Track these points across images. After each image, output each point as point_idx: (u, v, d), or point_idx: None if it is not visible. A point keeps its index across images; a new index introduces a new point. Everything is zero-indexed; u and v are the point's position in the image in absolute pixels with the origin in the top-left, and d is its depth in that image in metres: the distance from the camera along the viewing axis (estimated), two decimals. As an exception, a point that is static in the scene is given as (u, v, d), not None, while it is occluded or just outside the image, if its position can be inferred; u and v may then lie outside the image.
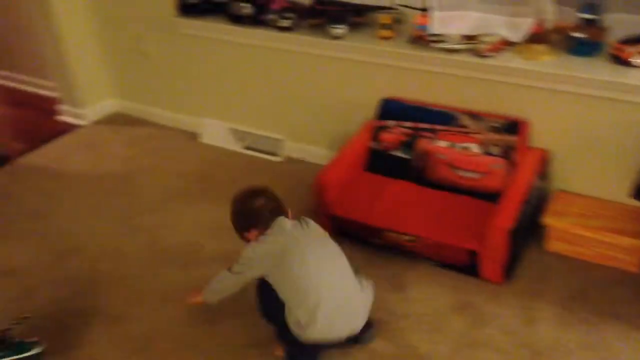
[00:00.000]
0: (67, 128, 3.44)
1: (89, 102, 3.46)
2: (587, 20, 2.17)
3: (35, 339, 1.92)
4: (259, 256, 1.79)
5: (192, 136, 3.25)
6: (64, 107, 3.54)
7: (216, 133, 3.17)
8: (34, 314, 2.07)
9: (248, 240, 1.85)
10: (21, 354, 1.89)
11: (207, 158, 3.07)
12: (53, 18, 3.15)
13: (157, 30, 3.11)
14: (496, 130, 2.28)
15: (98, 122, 3.48)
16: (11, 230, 2.59)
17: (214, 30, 2.87)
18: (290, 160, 3.00)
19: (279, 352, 1.89)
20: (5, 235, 2.56)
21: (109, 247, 2.45)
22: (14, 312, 2.10)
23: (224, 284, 1.91)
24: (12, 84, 3.99)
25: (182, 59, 3.12)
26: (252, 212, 1.84)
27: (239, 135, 3.11)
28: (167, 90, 3.31)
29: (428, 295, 2.10)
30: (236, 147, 3.11)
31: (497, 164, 2.26)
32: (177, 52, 3.12)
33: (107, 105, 3.56)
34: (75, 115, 3.50)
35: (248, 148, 3.08)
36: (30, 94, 3.88)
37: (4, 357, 1.87)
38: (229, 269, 1.86)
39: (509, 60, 2.23)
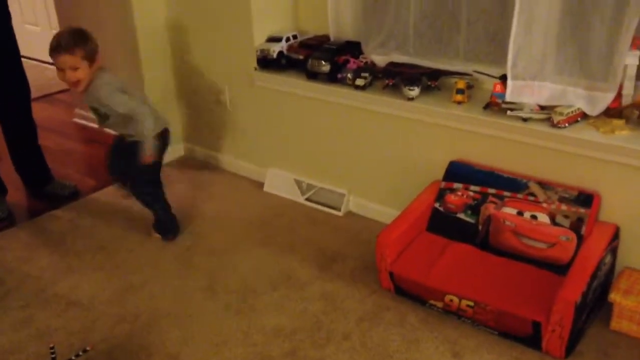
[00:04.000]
0: (138, 167, 3.72)
1: (162, 144, 3.74)
2: (669, 97, 2.24)
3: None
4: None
5: (257, 184, 3.43)
6: (137, 147, 3.83)
7: (280, 183, 3.34)
8: (94, 347, 2.22)
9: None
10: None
11: (269, 206, 3.22)
12: (140, 65, 3.48)
13: (236, 82, 3.37)
14: (566, 201, 2.32)
15: (167, 164, 3.72)
16: (79, 263, 2.78)
17: (290, 85, 3.09)
18: (350, 214, 3.11)
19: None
20: (73, 267, 2.75)
21: (168, 286, 2.59)
22: (76, 343, 2.26)
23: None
24: (86, 123, 4.32)
25: (256, 110, 3.35)
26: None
27: (302, 187, 3.27)
28: (237, 138, 3.54)
29: (486, 363, 2.11)
30: (298, 198, 3.26)
31: (566, 236, 2.29)
32: (251, 104, 3.36)
33: (177, 148, 3.82)
34: (147, 156, 3.78)
35: (310, 200, 3.23)
36: (103, 133, 4.21)
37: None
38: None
39: (584, 132, 2.30)
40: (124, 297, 2.53)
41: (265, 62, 3.14)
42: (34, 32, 5.57)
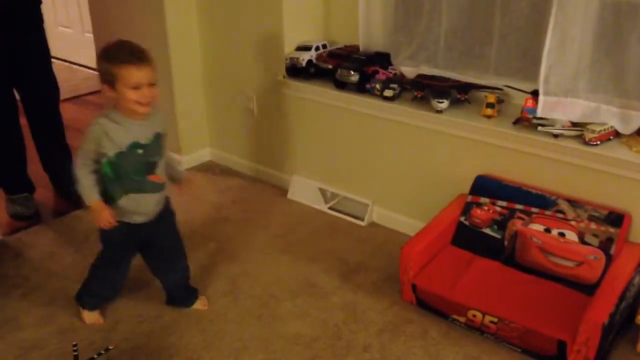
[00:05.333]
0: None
1: (188, 150, 3.80)
2: (703, 119, 2.22)
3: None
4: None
5: (281, 192, 3.46)
6: (163, 151, 3.91)
7: (304, 191, 3.37)
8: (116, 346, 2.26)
9: None
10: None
11: (292, 214, 3.25)
12: (170, 71, 3.54)
13: (264, 90, 3.42)
14: (596, 220, 2.31)
15: (194, 169, 3.79)
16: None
17: (318, 94, 3.13)
18: (374, 225, 3.12)
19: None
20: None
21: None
22: (98, 341, 2.31)
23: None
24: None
25: (283, 117, 3.39)
26: None
27: (326, 195, 3.29)
28: (263, 145, 3.58)
29: (508, 381, 2.10)
30: (322, 206, 3.28)
31: (594, 255, 2.27)
32: (279, 111, 3.40)
33: (204, 154, 3.88)
34: (173, 160, 3.85)
35: (333, 209, 3.25)
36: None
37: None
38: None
39: (616, 150, 2.29)
40: (146, 298, 2.57)
41: (294, 71, 3.18)
42: (67, 34, 5.72)
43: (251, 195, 3.47)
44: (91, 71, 5.42)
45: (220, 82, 3.65)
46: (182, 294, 2.51)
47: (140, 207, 2.21)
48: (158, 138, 2.16)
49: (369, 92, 2.93)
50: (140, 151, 2.11)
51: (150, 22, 3.54)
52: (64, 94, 3.37)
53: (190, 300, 2.51)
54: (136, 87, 2.01)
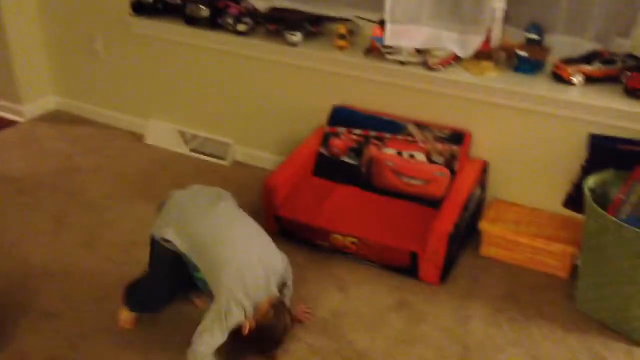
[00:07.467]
0: (4, 124, 3.48)
1: (29, 98, 3.52)
2: (532, 40, 2.46)
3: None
4: None
5: (137, 137, 3.35)
6: (0, 102, 3.59)
7: (162, 134, 3.29)
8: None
9: None
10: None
11: (151, 159, 3.17)
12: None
13: (109, 29, 3.24)
14: (441, 140, 2.51)
15: (37, 119, 3.53)
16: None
17: (168, 31, 3.02)
18: (237, 164, 3.14)
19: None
20: None
21: (43, 244, 2.50)
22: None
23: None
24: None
25: (132, 58, 3.25)
26: None
27: (186, 138, 3.24)
28: (114, 90, 3.42)
29: (368, 295, 2.26)
30: (182, 149, 3.23)
31: (440, 172, 2.48)
32: (127, 52, 3.25)
33: (48, 102, 3.62)
34: (13, 111, 3.55)
35: (195, 151, 3.22)
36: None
37: None
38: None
39: (457, 74, 2.48)
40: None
41: (140, 7, 3.04)
42: None
43: (104, 143, 3.32)
44: None
45: (60, 20, 3.39)
46: None
47: None
48: None
49: (222, 27, 2.90)
50: None
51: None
52: None
53: None
54: None
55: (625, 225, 1.90)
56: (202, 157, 3.18)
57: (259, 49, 2.83)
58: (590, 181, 2.14)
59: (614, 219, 1.93)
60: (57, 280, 2.31)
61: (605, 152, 2.22)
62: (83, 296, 2.24)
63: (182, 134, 3.25)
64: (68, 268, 2.38)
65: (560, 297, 2.25)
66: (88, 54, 3.38)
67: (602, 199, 2.12)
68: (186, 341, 1.84)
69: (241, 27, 2.84)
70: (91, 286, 2.29)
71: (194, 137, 3.22)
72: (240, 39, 2.85)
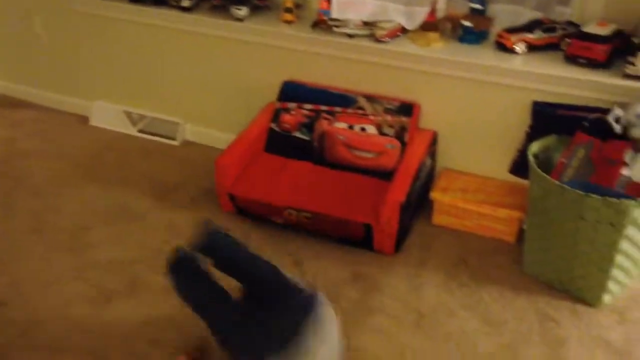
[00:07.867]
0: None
1: (-36, 81, 3.40)
2: (476, 10, 2.50)
3: None
4: None
5: (82, 119, 3.27)
6: None
7: (108, 116, 3.21)
8: None
9: None
10: None
11: (97, 141, 3.10)
12: None
13: (49, 8, 3.12)
14: (391, 112, 2.54)
15: (-26, 104, 3.42)
16: None
17: (110, 9, 2.93)
18: (188, 143, 3.11)
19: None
20: None
21: (-13, 229, 2.44)
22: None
23: None
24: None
25: (74, 38, 3.15)
26: None
27: (133, 118, 3.18)
28: (56, 71, 3.31)
29: (325, 268, 2.29)
30: (130, 130, 3.17)
31: (391, 144, 2.51)
32: (68, 31, 3.14)
33: (-15, 85, 3.50)
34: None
35: (143, 131, 3.16)
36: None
37: None
38: None
39: (404, 46, 2.50)
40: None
41: (80, -17, 2.95)
42: None
43: (48, 126, 3.23)
44: None
45: (-7, 1, 3.26)
46: None
47: None
48: None
49: (166, 3, 2.83)
50: None
51: None
52: None
53: None
54: None
55: (568, 188, 1.97)
56: (151, 137, 3.13)
57: (205, 25, 2.78)
58: (534, 147, 2.21)
59: (557, 182, 2.00)
60: (5, 269, 2.25)
61: (547, 118, 2.29)
62: (34, 283, 2.19)
63: (129, 115, 3.18)
64: (17, 255, 2.32)
65: (508, 261, 2.33)
66: (28, 35, 3.25)
67: (545, 164, 2.19)
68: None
69: (185, 3, 2.79)
70: (42, 273, 2.24)
71: (142, 117, 3.16)
72: (184, 15, 2.79)
